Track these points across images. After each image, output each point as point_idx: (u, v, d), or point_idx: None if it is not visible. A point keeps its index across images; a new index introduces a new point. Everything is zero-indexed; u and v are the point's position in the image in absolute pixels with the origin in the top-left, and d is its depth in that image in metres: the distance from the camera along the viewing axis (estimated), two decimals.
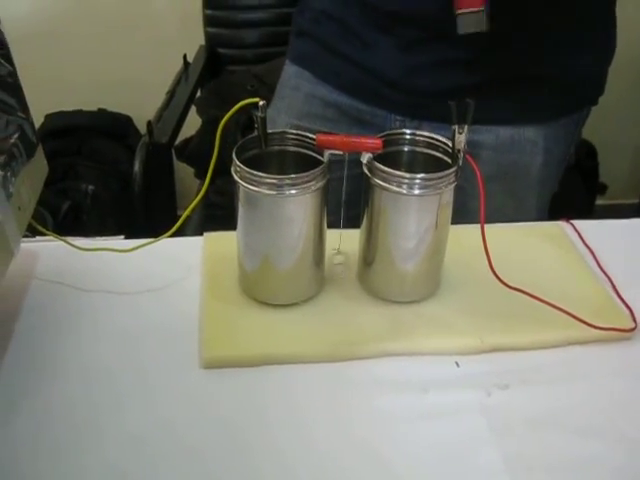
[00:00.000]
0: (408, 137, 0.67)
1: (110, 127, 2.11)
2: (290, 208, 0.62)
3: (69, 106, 2.02)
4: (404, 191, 0.60)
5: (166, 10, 1.95)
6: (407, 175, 0.60)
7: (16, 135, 0.62)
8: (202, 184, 1.72)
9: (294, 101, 0.98)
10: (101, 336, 0.67)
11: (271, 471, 0.54)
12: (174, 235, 0.72)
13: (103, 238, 0.77)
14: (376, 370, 0.63)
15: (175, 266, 0.74)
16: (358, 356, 0.64)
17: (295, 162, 0.66)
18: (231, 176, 0.65)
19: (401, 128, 0.91)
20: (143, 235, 0.73)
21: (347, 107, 0.94)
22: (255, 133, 0.66)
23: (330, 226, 0.67)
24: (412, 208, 0.62)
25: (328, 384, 0.62)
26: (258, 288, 0.67)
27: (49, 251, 0.74)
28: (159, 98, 1.82)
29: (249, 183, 0.61)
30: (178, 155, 1.63)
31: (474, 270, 0.67)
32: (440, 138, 0.65)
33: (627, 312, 0.67)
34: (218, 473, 0.54)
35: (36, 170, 0.66)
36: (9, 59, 0.62)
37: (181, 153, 1.62)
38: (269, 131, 0.65)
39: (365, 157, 0.62)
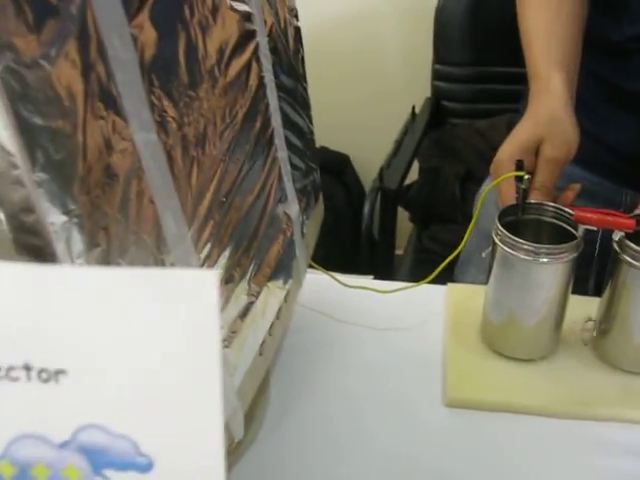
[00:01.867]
0: None
1: (329, 164, 2.27)
2: (542, 274, 0.68)
3: None
4: None
5: (397, 62, 2.07)
6: None
7: (310, 182, 0.73)
8: (416, 228, 1.82)
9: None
10: (350, 365, 0.76)
11: None
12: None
13: (355, 276, 0.87)
14: (603, 432, 0.67)
15: (420, 309, 0.82)
16: (587, 416, 0.69)
17: (549, 231, 0.72)
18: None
19: (631, 203, 0.95)
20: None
21: (578, 178, 0.98)
22: (516, 202, 0.72)
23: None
24: None
25: (555, 438, 0.67)
26: (500, 340, 0.74)
27: (312, 281, 0.85)
28: (377, 142, 1.95)
29: (508, 246, 0.68)
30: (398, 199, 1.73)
31: None
32: None
33: None
34: None
35: (318, 212, 0.77)
36: (310, 119, 0.74)
37: (401, 198, 1.72)
38: (529, 201, 0.72)
39: (617, 235, 0.68)
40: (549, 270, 0.68)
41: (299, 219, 0.68)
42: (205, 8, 0.48)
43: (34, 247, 0.32)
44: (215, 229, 0.49)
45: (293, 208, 0.66)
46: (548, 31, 0.86)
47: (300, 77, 0.69)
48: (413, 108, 1.82)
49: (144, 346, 0.24)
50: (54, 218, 0.32)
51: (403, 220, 1.83)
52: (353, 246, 1.88)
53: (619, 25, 0.90)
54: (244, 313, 0.54)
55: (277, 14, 0.63)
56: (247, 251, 0.55)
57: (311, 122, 0.74)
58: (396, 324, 0.81)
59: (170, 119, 0.42)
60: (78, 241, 0.34)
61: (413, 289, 0.81)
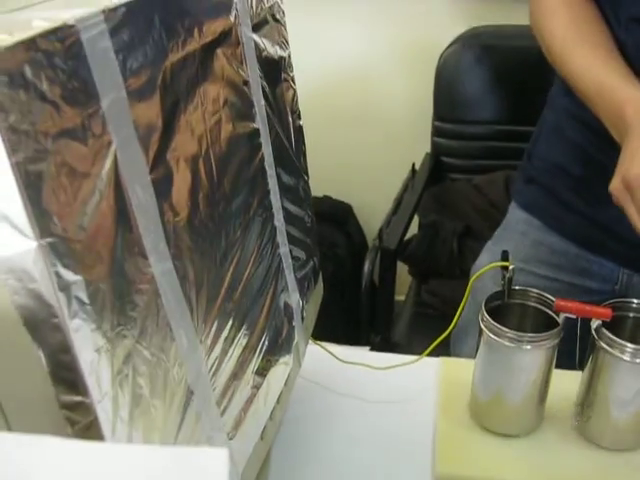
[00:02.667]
0: (635, 306, 0.76)
1: (333, 213, 2.32)
2: (525, 359, 0.73)
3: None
4: (627, 358, 0.70)
5: (399, 118, 2.14)
6: (630, 345, 0.70)
7: (310, 268, 0.79)
8: (415, 282, 1.87)
9: (521, 246, 1.06)
10: (344, 437, 0.81)
11: None
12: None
13: (354, 348, 0.92)
14: None
15: (414, 382, 0.87)
16: None
17: (532, 315, 0.77)
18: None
19: (627, 282, 1.00)
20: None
21: (574, 257, 1.03)
22: (501, 288, 0.77)
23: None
24: (632, 373, 0.72)
25: None
26: (487, 417, 0.79)
27: (311, 352, 0.90)
28: (379, 192, 2.01)
29: (493, 333, 0.73)
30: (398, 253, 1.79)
31: None
32: None
33: None
34: None
35: (317, 294, 0.82)
36: (311, 208, 0.80)
37: (400, 253, 1.78)
38: (514, 287, 0.77)
39: (595, 323, 0.73)
40: (532, 355, 0.73)
41: (299, 306, 0.73)
42: (216, 137, 0.54)
43: (69, 380, 0.38)
44: (224, 331, 0.55)
45: (294, 297, 0.71)
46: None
47: (302, 172, 0.75)
48: (413, 166, 1.88)
49: None
50: (86, 356, 0.38)
51: (403, 272, 1.88)
52: (354, 294, 1.93)
53: None
54: (248, 405, 0.59)
55: (281, 118, 0.69)
56: (253, 347, 0.61)
57: (311, 211, 0.80)
58: (391, 397, 0.86)
59: (183, 247, 0.48)
60: (106, 371, 0.39)
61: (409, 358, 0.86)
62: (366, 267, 1.50)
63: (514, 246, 1.07)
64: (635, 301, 0.76)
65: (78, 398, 0.38)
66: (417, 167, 1.92)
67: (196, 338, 0.50)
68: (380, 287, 1.56)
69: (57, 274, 0.36)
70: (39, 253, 0.34)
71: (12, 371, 0.39)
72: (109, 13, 0.40)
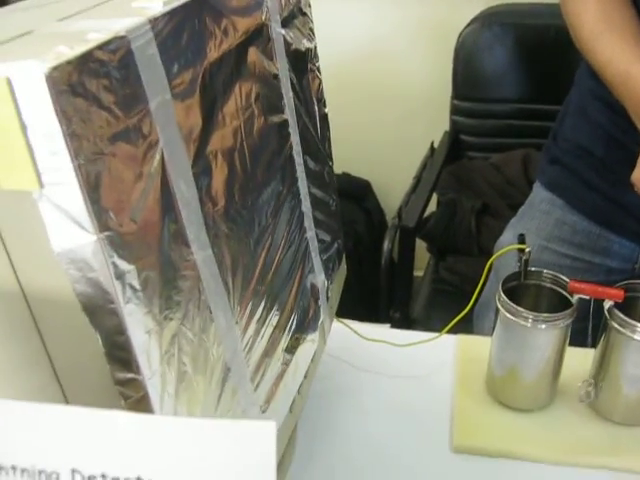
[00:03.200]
0: None
1: (351, 190, 2.35)
2: (539, 338, 0.77)
3: None
4: (638, 338, 0.74)
5: (419, 96, 2.16)
6: None
7: (334, 249, 0.82)
8: (433, 259, 1.90)
9: (544, 224, 1.08)
10: (367, 411, 0.85)
11: None
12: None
13: (376, 325, 0.96)
14: (590, 479, 0.76)
15: (433, 358, 0.91)
16: (578, 464, 0.77)
17: (547, 295, 0.81)
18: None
19: None
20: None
21: (595, 236, 1.05)
22: (518, 269, 0.80)
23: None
24: None
25: None
26: (502, 392, 0.83)
27: (335, 329, 0.94)
28: (398, 168, 2.03)
29: (509, 312, 0.77)
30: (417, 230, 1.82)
31: None
32: None
33: None
34: None
35: (341, 274, 0.86)
36: (335, 192, 0.83)
37: (419, 230, 1.81)
38: (530, 269, 0.80)
39: (608, 303, 0.76)
40: (546, 334, 0.76)
41: (324, 286, 0.77)
42: (250, 130, 0.57)
43: (123, 359, 0.42)
44: (257, 312, 0.59)
45: (319, 278, 0.75)
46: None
47: (327, 158, 0.78)
48: (432, 144, 1.90)
49: None
50: (139, 337, 0.42)
51: (421, 248, 1.91)
52: (373, 270, 1.96)
53: None
54: (278, 380, 0.63)
55: (307, 108, 0.72)
56: (283, 326, 0.65)
57: (335, 194, 0.83)
58: (411, 372, 0.90)
59: (221, 234, 0.52)
60: (155, 351, 0.43)
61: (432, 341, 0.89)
62: (385, 245, 1.53)
63: (537, 224, 1.09)
64: None
65: (131, 375, 0.42)
66: (436, 145, 1.95)
67: (232, 319, 0.54)
68: (399, 265, 1.59)
69: (114, 264, 0.39)
70: (98, 246, 0.38)
71: (72, 351, 0.43)
72: (154, 21, 0.43)
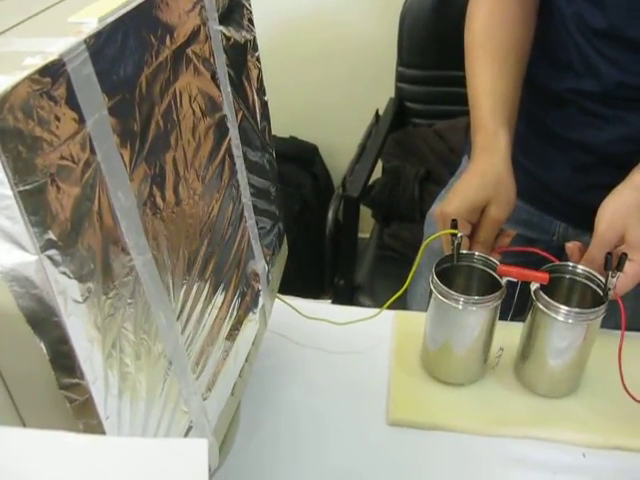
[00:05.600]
0: (570, 269, 0.84)
1: (298, 154, 2.37)
2: (470, 318, 0.81)
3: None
4: (560, 318, 0.78)
5: (365, 61, 2.17)
6: (564, 308, 0.78)
7: (275, 234, 0.85)
8: (378, 225, 1.94)
9: None
10: (311, 386, 0.89)
11: None
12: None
13: (318, 302, 0.99)
14: (516, 449, 0.81)
15: (373, 334, 0.95)
16: (503, 435, 0.82)
17: (478, 277, 0.85)
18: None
19: (564, 234, 1.08)
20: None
21: (519, 209, 1.10)
22: (451, 252, 0.84)
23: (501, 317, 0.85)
24: (565, 331, 0.80)
25: (477, 453, 0.81)
26: (436, 368, 0.87)
27: (275, 307, 0.97)
28: (345, 131, 2.05)
29: (441, 295, 0.81)
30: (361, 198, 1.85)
31: (612, 375, 0.83)
32: (596, 274, 0.82)
33: None
34: None
35: (282, 256, 0.89)
36: (276, 179, 0.85)
37: (364, 197, 1.84)
38: (462, 252, 0.84)
39: (534, 285, 0.81)
40: (476, 315, 0.81)
41: (265, 271, 0.79)
42: (187, 131, 0.59)
43: (67, 366, 0.44)
44: (198, 305, 0.61)
45: (260, 264, 0.78)
46: (494, 90, 0.96)
47: (266, 147, 0.80)
48: (377, 112, 1.93)
49: None
50: (81, 346, 0.44)
51: (368, 213, 1.95)
52: (321, 234, 2.00)
53: (561, 78, 1.00)
54: (219, 368, 0.66)
55: (246, 101, 0.74)
56: (224, 316, 0.67)
57: (276, 181, 0.85)
58: (352, 348, 0.94)
59: (160, 236, 0.54)
60: (97, 356, 0.46)
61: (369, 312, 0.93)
62: (330, 214, 1.56)
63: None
64: (570, 264, 0.84)
65: (75, 380, 0.45)
66: (381, 112, 1.97)
67: (173, 316, 0.56)
68: (343, 234, 1.62)
69: (55, 280, 0.41)
70: (39, 265, 0.40)
71: (18, 360, 0.45)
72: (90, 40, 0.45)
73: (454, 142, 1.90)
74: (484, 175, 0.89)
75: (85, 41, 0.44)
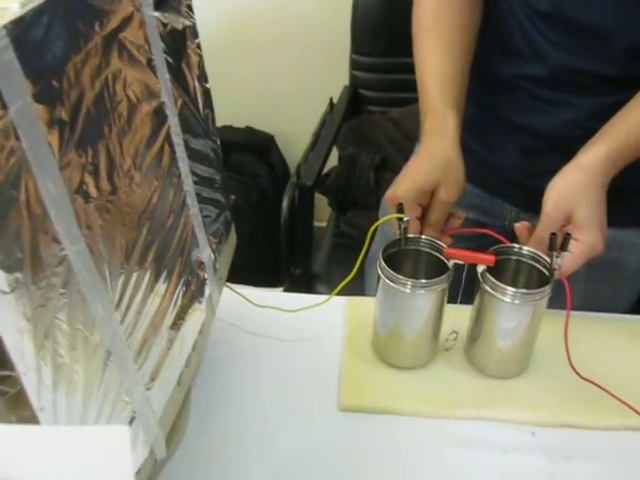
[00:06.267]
0: (516, 250, 0.85)
1: (254, 144, 2.36)
2: (418, 302, 0.81)
3: (223, 121, 2.28)
4: (507, 300, 0.79)
5: (318, 48, 2.17)
6: (510, 289, 0.79)
7: (222, 222, 0.84)
8: (334, 213, 1.94)
9: None
10: (263, 375, 0.89)
11: None
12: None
13: (268, 290, 0.99)
14: (466, 430, 0.82)
15: (324, 321, 0.95)
16: (455, 416, 0.83)
17: (426, 260, 0.85)
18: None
19: (515, 218, 1.09)
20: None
21: (469, 194, 1.11)
22: (398, 236, 0.84)
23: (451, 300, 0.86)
24: (512, 312, 0.81)
25: (428, 435, 0.81)
26: (387, 352, 0.88)
27: (227, 296, 0.97)
28: (301, 120, 2.05)
29: (389, 279, 0.81)
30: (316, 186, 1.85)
31: (560, 355, 0.84)
32: (542, 255, 0.83)
33: None
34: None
35: (230, 244, 0.88)
36: (221, 166, 0.84)
37: (318, 185, 1.84)
38: (408, 235, 0.84)
39: (480, 268, 0.81)
40: (424, 298, 0.81)
41: (211, 260, 0.79)
42: (121, 119, 0.58)
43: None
44: (138, 295, 0.60)
45: (205, 253, 0.77)
46: (442, 73, 0.95)
47: (210, 134, 0.79)
48: (331, 100, 1.92)
49: None
50: (11, 337, 0.43)
51: (324, 202, 1.95)
52: (278, 224, 1.99)
53: (508, 63, 1.01)
54: (163, 357, 0.66)
55: (186, 86, 0.73)
56: (167, 305, 0.67)
57: (221, 169, 0.85)
58: (303, 335, 0.93)
59: (95, 226, 0.53)
60: (29, 347, 0.45)
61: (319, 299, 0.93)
62: (284, 203, 1.56)
63: None
64: (516, 246, 0.85)
65: (6, 372, 0.44)
66: (335, 100, 1.97)
67: (111, 306, 0.55)
68: (299, 223, 1.62)
69: None
70: None
71: None
72: (10, 25, 0.44)
73: (409, 129, 1.90)
74: (433, 158, 0.89)
75: (5, 26, 0.43)
